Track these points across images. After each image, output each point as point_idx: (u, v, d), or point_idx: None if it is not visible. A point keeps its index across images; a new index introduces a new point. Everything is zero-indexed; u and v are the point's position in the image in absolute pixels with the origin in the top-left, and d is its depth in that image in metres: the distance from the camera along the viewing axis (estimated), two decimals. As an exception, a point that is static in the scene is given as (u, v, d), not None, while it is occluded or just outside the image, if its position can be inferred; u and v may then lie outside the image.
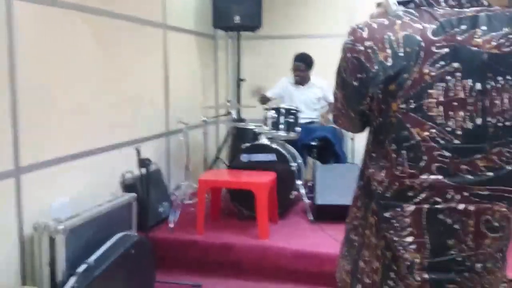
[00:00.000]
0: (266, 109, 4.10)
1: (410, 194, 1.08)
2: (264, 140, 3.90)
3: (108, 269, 2.59)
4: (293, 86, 4.76)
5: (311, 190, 4.14)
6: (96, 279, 2.50)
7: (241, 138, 4.30)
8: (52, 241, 2.50)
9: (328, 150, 4.36)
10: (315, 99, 4.75)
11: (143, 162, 3.09)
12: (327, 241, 3.34)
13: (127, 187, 3.50)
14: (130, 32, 3.63)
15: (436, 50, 1.03)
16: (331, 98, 4.78)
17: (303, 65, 4.65)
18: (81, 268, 2.53)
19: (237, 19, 4.80)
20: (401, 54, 1.03)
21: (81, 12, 3.04)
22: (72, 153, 2.98)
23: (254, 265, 3.27)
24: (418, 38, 1.04)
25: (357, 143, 4.63)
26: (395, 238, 1.10)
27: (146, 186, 3.11)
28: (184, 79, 4.66)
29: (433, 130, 1.04)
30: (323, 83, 4.74)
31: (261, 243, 3.33)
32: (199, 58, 5.05)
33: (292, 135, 4.08)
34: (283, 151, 3.80)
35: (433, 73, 1.03)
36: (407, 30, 1.04)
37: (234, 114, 4.84)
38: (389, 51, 1.04)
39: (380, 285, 1.15)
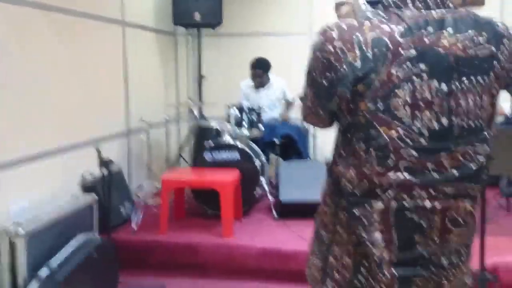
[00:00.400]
0: (229, 106, 4.09)
1: (378, 191, 1.11)
2: (227, 138, 3.89)
3: (71, 273, 2.52)
4: (253, 90, 4.80)
5: (274, 187, 4.18)
6: (59, 284, 2.43)
7: (204, 136, 4.28)
8: (12, 245, 2.41)
9: (290, 147, 4.41)
10: (275, 99, 4.79)
11: (104, 163, 3.02)
12: (292, 238, 3.38)
13: (87, 188, 3.40)
14: (89, 29, 3.54)
15: (403, 52, 1.06)
16: (290, 97, 4.87)
17: (260, 71, 4.69)
18: (44, 272, 2.45)
19: (197, 16, 4.77)
20: (369, 55, 1.06)
21: (44, 10, 2.95)
22: (30, 154, 2.87)
23: (219, 264, 3.26)
24: (386, 39, 1.06)
25: (319, 140, 4.70)
26: (364, 235, 1.13)
27: (107, 187, 3.04)
28: (144, 76, 4.58)
29: (400, 130, 1.08)
30: (282, 82, 4.82)
31: (226, 241, 3.33)
32: (159, 56, 4.98)
33: (256, 132, 4.10)
34: (247, 149, 3.81)
35: (400, 74, 1.06)
36: (376, 32, 1.07)
37: (196, 112, 4.81)
38: (357, 52, 1.06)
39: (351, 280, 1.18)
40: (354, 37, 1.07)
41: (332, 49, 1.08)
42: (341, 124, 1.18)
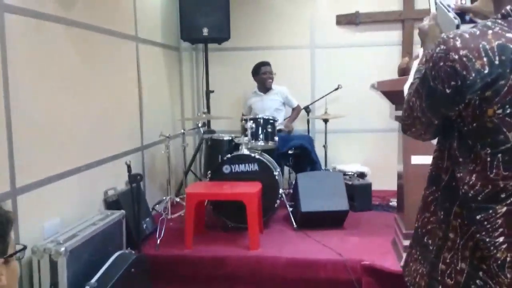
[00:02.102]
0: (245, 119, 4.13)
1: (502, 196, 1.14)
2: (244, 151, 3.92)
3: (110, 290, 2.50)
4: (255, 96, 4.90)
5: (289, 198, 4.22)
6: (100, 301, 2.41)
7: (218, 149, 4.29)
8: (53, 264, 2.38)
9: (303, 158, 4.46)
10: (277, 105, 4.88)
11: (134, 178, 3.02)
12: (317, 247, 3.41)
13: (110, 204, 3.39)
14: (106, 45, 3.54)
15: None
16: (294, 103, 4.95)
17: (270, 67, 4.84)
18: (84, 290, 2.43)
19: (205, 31, 4.81)
20: (497, 62, 1.10)
21: (65, 25, 2.94)
22: (59, 172, 2.85)
23: (247, 276, 3.26)
24: (511, 46, 1.11)
25: (329, 151, 4.77)
26: (487, 239, 1.16)
27: (137, 202, 3.03)
28: (154, 91, 4.58)
29: None
30: (284, 89, 4.94)
31: (253, 253, 3.34)
32: (166, 71, 5.00)
33: (271, 144, 4.14)
34: (265, 161, 3.85)
35: None
36: (501, 40, 1.12)
37: (206, 126, 4.85)
38: (485, 59, 1.11)
39: (466, 285, 1.20)
40: (480, 45, 1.11)
41: (457, 58, 1.12)
42: (458, 132, 1.20)
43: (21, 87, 2.50)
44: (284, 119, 4.99)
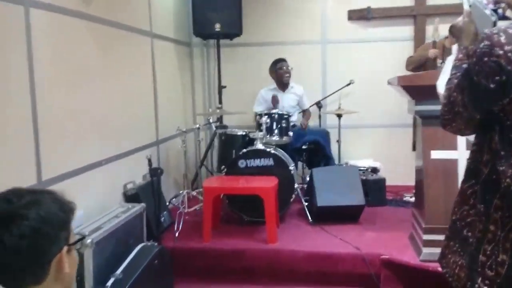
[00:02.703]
0: (259, 115, 4.14)
1: None
2: (259, 146, 3.94)
3: (135, 281, 2.53)
4: (276, 93, 4.84)
5: (305, 193, 4.24)
6: (126, 292, 2.44)
7: (231, 144, 4.31)
8: (79, 256, 2.40)
9: (317, 154, 4.48)
10: (294, 103, 4.85)
11: (154, 171, 3.04)
12: (334, 241, 3.44)
13: (130, 197, 3.41)
14: (124, 40, 3.56)
15: None
16: (307, 105, 4.92)
17: (286, 63, 4.80)
18: (110, 281, 2.46)
19: (217, 27, 4.82)
20: None
21: (86, 20, 2.96)
22: (81, 166, 2.88)
23: (266, 269, 3.29)
24: None
25: (343, 146, 4.79)
26: None
27: (157, 195, 3.06)
28: (167, 87, 4.60)
29: None
30: (300, 89, 4.90)
31: (271, 247, 3.36)
32: (178, 66, 5.01)
33: (285, 139, 4.16)
34: (281, 156, 3.87)
35: None
36: None
37: (214, 121, 4.86)
38: None
39: (507, 276, 1.22)
40: None
41: (502, 53, 1.14)
42: (501, 125, 1.22)
43: (46, 81, 2.52)
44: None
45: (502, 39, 1.15)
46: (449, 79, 1.35)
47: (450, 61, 1.47)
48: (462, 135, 1.39)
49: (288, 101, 4.82)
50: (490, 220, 1.25)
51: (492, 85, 1.16)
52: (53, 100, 2.59)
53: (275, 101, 4.55)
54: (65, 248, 1.05)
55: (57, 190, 1.12)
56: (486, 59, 1.17)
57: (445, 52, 4.51)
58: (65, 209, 1.06)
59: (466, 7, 1.49)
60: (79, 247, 1.18)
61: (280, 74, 4.79)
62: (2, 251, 0.97)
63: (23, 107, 2.34)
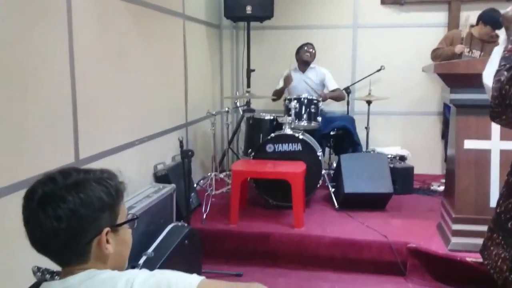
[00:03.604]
0: (289, 99, 4.14)
1: None
2: (288, 131, 3.94)
3: (166, 260, 2.59)
4: (296, 74, 4.80)
5: (332, 179, 4.25)
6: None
7: (258, 128, 4.32)
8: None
9: (345, 140, 4.46)
10: (313, 85, 4.76)
11: (186, 153, 3.08)
12: (360, 228, 3.45)
13: (160, 178, 3.48)
14: (159, 22, 3.59)
15: None
16: (332, 86, 4.83)
17: (311, 46, 4.80)
18: (142, 259, 2.52)
19: (248, 9, 4.80)
20: None
21: (124, 1, 2.99)
22: (115, 146, 2.93)
23: (291, 253, 3.32)
24: None
25: (370, 132, 4.75)
26: None
27: (188, 177, 3.10)
28: (197, 69, 4.63)
29: None
30: (323, 70, 4.84)
31: (298, 231, 3.39)
32: (208, 48, 5.02)
33: (314, 124, 4.16)
34: (309, 141, 3.87)
35: None
36: None
37: (242, 105, 4.88)
38: None
39: None
40: None
41: None
42: None
43: (85, 61, 2.57)
44: None
45: None
46: (498, 71, 1.33)
47: (497, 52, 1.45)
48: (511, 128, 1.37)
49: (308, 81, 4.76)
50: None
51: None
52: (91, 80, 2.64)
53: (288, 80, 4.59)
54: (106, 229, 1.05)
55: (112, 170, 1.13)
56: None
57: (473, 41, 4.42)
58: (111, 192, 1.06)
59: None
60: (133, 227, 1.19)
61: (302, 53, 4.76)
62: (40, 233, 1.00)
63: (63, 87, 2.39)
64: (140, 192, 2.95)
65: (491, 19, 4.29)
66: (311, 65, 4.83)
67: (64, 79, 2.40)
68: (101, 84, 2.76)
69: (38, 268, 1.11)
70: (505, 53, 1.37)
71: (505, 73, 1.29)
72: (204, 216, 3.57)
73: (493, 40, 4.40)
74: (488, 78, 1.39)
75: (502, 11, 1.47)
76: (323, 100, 4.72)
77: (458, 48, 4.36)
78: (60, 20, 2.36)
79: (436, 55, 4.57)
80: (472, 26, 4.47)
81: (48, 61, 2.26)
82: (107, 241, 1.07)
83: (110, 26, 2.85)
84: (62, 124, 2.39)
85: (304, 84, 4.75)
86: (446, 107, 4.50)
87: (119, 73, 2.99)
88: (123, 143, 3.03)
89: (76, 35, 2.47)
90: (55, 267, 1.10)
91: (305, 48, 4.79)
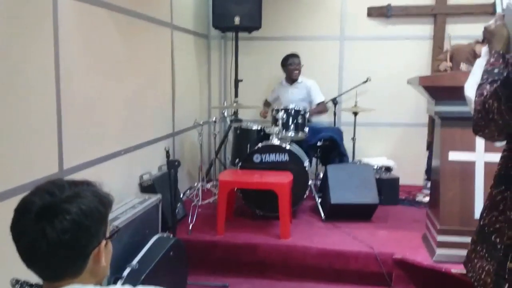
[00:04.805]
0: (276, 110, 4.15)
1: None
2: (275, 141, 3.95)
3: (151, 272, 2.56)
4: (282, 87, 4.93)
5: (319, 189, 4.25)
6: (141, 282, 2.47)
7: (246, 138, 4.32)
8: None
9: (332, 150, 4.48)
10: (299, 99, 4.83)
11: (172, 163, 3.07)
12: (346, 239, 3.45)
13: (145, 188, 3.45)
14: (145, 31, 3.58)
15: None
16: (317, 100, 4.88)
17: (297, 59, 4.84)
18: (126, 271, 2.49)
19: (237, 20, 4.82)
20: None
21: (110, 10, 2.98)
22: (101, 156, 2.91)
23: (278, 264, 3.31)
24: None
25: (357, 143, 4.78)
26: None
27: (174, 187, 3.08)
28: (186, 79, 4.63)
29: None
30: (310, 82, 4.90)
31: (284, 242, 3.38)
32: (195, 58, 5.03)
33: (301, 135, 4.17)
34: (296, 152, 3.87)
35: None
36: None
37: (229, 115, 4.89)
38: None
39: None
40: None
41: None
42: None
43: (71, 71, 2.55)
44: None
45: None
46: (481, 84, 1.34)
47: (479, 65, 1.46)
48: (494, 141, 1.38)
49: (295, 94, 4.83)
50: None
51: None
52: (76, 89, 2.62)
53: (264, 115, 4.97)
54: (104, 242, 1.06)
55: (95, 182, 1.12)
56: None
57: (477, 58, 4.45)
58: (104, 203, 1.07)
59: (499, 10, 1.47)
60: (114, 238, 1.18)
61: (290, 70, 4.84)
62: (45, 244, 0.99)
63: (48, 96, 2.37)
64: (125, 202, 2.92)
65: None
66: (299, 80, 4.87)
67: (49, 88, 2.38)
68: (87, 94, 2.74)
69: (17, 281, 1.09)
70: (487, 67, 1.39)
71: (488, 86, 1.31)
72: (190, 227, 3.54)
73: None
74: (470, 90, 1.40)
75: (484, 24, 1.49)
76: (320, 113, 4.88)
77: (442, 66, 4.47)
78: (46, 30, 2.34)
79: (434, 67, 4.68)
80: (478, 42, 4.46)
81: (33, 70, 2.24)
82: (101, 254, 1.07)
83: (97, 36, 2.84)
84: (46, 133, 2.36)
85: (291, 96, 4.79)
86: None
87: (106, 82, 2.97)
88: (109, 153, 3.00)
89: (62, 45, 2.45)
90: (34, 279, 1.08)
91: (292, 65, 4.82)
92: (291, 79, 4.89)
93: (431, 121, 4.73)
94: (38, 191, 1.04)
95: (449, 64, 4.43)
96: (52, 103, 2.40)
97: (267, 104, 5.14)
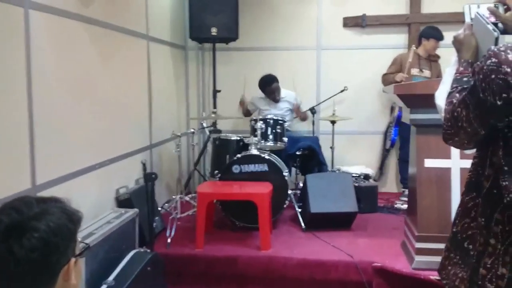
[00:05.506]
0: (255, 120, 4.15)
1: None
2: (254, 151, 3.94)
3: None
4: (267, 104, 4.86)
5: (298, 199, 4.24)
6: (118, 299, 2.42)
7: (225, 149, 4.30)
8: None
9: (311, 160, 4.49)
10: (286, 111, 4.87)
11: (149, 176, 3.03)
12: (327, 248, 3.44)
13: (122, 202, 3.39)
14: (121, 43, 3.55)
15: None
16: (298, 101, 4.94)
17: (277, 84, 4.79)
18: (102, 288, 2.44)
19: (213, 31, 4.82)
20: None
21: (84, 22, 2.95)
22: (75, 170, 2.85)
23: (259, 276, 3.28)
24: None
25: (335, 152, 4.80)
26: None
27: (151, 201, 3.04)
28: (163, 90, 4.59)
29: None
30: (292, 94, 4.93)
31: (265, 254, 3.35)
32: (173, 70, 5.00)
33: (280, 144, 4.17)
34: (275, 162, 3.87)
35: None
36: None
37: (208, 126, 4.87)
38: None
39: None
40: None
41: (509, 71, 1.15)
42: (506, 140, 1.24)
43: (43, 84, 2.51)
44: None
45: (510, 56, 1.16)
46: (450, 93, 1.36)
47: (449, 73, 1.48)
48: (464, 149, 1.39)
49: (282, 109, 4.84)
50: (491, 234, 1.26)
51: (499, 102, 1.17)
52: (49, 103, 2.57)
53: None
54: (73, 259, 1.04)
55: (63, 198, 1.10)
56: (493, 76, 1.17)
57: (421, 61, 4.71)
58: (73, 220, 1.06)
59: (467, 19, 1.49)
60: (83, 256, 1.16)
61: (271, 95, 4.80)
62: (13, 263, 0.96)
63: (20, 110, 2.32)
64: (100, 217, 2.87)
65: (431, 32, 4.65)
66: (282, 95, 4.87)
67: (21, 102, 2.33)
68: (60, 107, 2.70)
69: None
70: (457, 75, 1.40)
71: (457, 95, 1.32)
72: (169, 241, 3.49)
73: (437, 59, 4.76)
74: (440, 98, 1.42)
75: (454, 34, 1.51)
76: (303, 119, 4.88)
77: (398, 77, 4.59)
78: (18, 41, 2.30)
79: (385, 80, 4.77)
80: (416, 47, 4.68)
81: (4, 84, 2.19)
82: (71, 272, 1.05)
83: (71, 49, 2.80)
84: (19, 148, 2.30)
85: (278, 111, 4.77)
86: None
87: (80, 95, 2.92)
88: (84, 166, 2.95)
89: (34, 58, 2.41)
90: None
91: (274, 92, 4.77)
92: (275, 100, 4.89)
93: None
94: (5, 209, 1.02)
95: (405, 75, 4.56)
96: (24, 117, 2.35)
97: (247, 113, 5.06)
